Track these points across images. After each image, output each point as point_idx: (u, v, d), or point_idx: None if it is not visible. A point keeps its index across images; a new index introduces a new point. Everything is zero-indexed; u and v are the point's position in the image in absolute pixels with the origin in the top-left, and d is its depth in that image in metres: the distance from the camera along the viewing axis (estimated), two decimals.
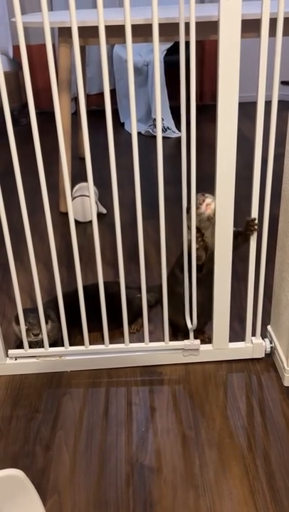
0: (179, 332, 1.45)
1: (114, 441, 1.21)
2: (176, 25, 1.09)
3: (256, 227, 1.26)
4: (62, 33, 2.02)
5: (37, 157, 1.15)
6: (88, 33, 1.65)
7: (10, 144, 1.14)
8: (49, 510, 1.05)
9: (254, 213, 1.24)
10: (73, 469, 1.15)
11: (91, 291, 1.35)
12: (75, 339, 1.45)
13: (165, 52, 3.43)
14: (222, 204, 1.21)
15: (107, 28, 1.06)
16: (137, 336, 1.52)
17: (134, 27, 1.06)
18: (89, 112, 1.14)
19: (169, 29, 1.64)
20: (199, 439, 1.21)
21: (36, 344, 1.39)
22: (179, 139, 3.29)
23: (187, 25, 1.06)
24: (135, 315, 1.52)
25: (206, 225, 1.27)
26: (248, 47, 1.51)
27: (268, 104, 1.11)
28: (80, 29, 1.09)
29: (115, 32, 1.40)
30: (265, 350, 1.42)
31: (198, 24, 1.08)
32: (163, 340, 1.40)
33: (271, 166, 1.19)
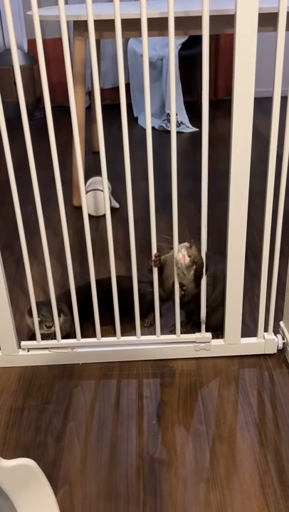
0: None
1: (125, 433, 1.22)
2: (192, 18, 1.08)
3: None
4: (78, 27, 2.02)
5: (52, 151, 1.16)
6: (103, 26, 1.64)
7: (25, 137, 1.14)
8: (60, 501, 1.06)
9: (268, 208, 1.23)
10: (84, 460, 1.16)
11: (103, 285, 1.36)
12: (87, 332, 1.45)
13: (180, 46, 3.42)
14: (236, 199, 1.21)
15: (123, 21, 1.06)
16: (148, 329, 1.53)
17: (149, 21, 1.06)
18: (103, 106, 1.15)
19: (185, 23, 1.63)
20: (210, 433, 1.21)
21: (48, 337, 1.41)
22: (192, 134, 3.28)
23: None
24: (147, 309, 1.53)
25: (183, 273, 1.29)
26: (264, 41, 1.50)
27: (283, 99, 1.11)
28: (96, 22, 1.09)
29: (130, 25, 1.40)
30: (278, 346, 1.42)
31: (213, 18, 1.07)
32: (174, 333, 1.41)
33: (286, 161, 1.18)
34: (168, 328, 1.47)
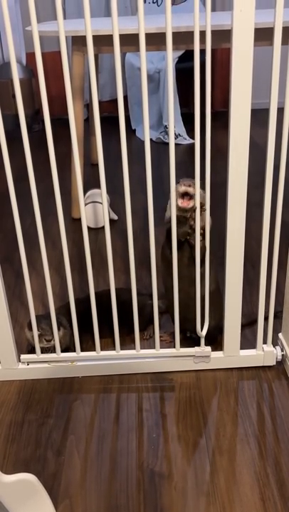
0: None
1: (125, 447, 1.21)
2: (189, 33, 1.10)
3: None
4: (76, 42, 2.04)
5: (51, 164, 1.16)
6: (102, 41, 1.66)
7: (25, 150, 1.15)
8: None
9: (266, 219, 1.24)
10: (84, 474, 1.15)
11: (102, 298, 1.36)
12: (87, 345, 1.45)
13: (176, 59, 3.45)
14: (234, 211, 1.21)
15: (121, 36, 1.07)
16: (147, 342, 1.53)
17: (147, 36, 1.07)
18: (101, 119, 1.15)
19: (182, 38, 1.65)
20: (210, 446, 1.21)
21: (48, 350, 1.40)
22: (190, 146, 3.30)
23: (200, 33, 1.07)
24: (146, 321, 1.53)
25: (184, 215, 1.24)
26: (259, 53, 1.51)
27: (280, 111, 1.12)
28: (94, 38, 1.10)
29: (128, 40, 1.41)
30: (276, 358, 1.42)
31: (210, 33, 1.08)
32: (174, 347, 1.40)
33: (283, 172, 1.19)
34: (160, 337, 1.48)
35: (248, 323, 1.53)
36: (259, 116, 1.76)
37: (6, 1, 1.05)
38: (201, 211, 1.22)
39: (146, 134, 1.13)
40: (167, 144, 1.15)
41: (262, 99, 1.91)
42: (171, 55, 1.08)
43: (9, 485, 0.84)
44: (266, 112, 1.13)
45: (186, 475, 1.14)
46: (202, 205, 1.22)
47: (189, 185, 1.22)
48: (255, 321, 1.42)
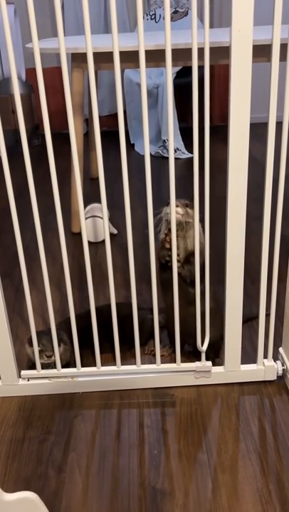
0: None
1: (126, 463, 1.20)
2: (188, 50, 1.11)
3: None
4: (76, 59, 2.06)
5: (52, 178, 1.17)
6: (101, 58, 1.68)
7: (26, 165, 1.15)
8: None
9: (265, 233, 1.24)
10: (86, 492, 1.14)
11: (102, 313, 1.36)
12: (87, 360, 1.45)
13: (174, 75, 3.48)
14: (234, 225, 1.22)
15: (120, 53, 1.08)
16: (148, 357, 1.52)
17: (146, 52, 1.09)
18: (100, 134, 1.16)
19: (181, 54, 1.67)
20: (212, 463, 1.20)
21: (48, 366, 1.40)
22: (188, 160, 3.32)
23: (198, 50, 1.08)
24: (147, 336, 1.52)
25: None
26: (257, 67, 1.52)
27: (278, 124, 1.13)
28: (94, 55, 1.11)
29: (128, 57, 1.42)
30: (277, 373, 1.41)
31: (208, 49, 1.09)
32: (174, 362, 1.40)
33: (282, 186, 1.19)
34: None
35: (246, 320, 1.53)
36: (256, 131, 1.77)
37: (7, 19, 1.06)
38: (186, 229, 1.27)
39: (147, 149, 1.14)
40: (166, 158, 1.16)
41: (259, 113, 1.93)
42: (170, 72, 1.09)
43: (11, 503, 0.83)
44: (263, 125, 1.14)
45: (188, 492, 1.13)
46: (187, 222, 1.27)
47: (177, 206, 1.25)
48: (251, 319, 1.46)
